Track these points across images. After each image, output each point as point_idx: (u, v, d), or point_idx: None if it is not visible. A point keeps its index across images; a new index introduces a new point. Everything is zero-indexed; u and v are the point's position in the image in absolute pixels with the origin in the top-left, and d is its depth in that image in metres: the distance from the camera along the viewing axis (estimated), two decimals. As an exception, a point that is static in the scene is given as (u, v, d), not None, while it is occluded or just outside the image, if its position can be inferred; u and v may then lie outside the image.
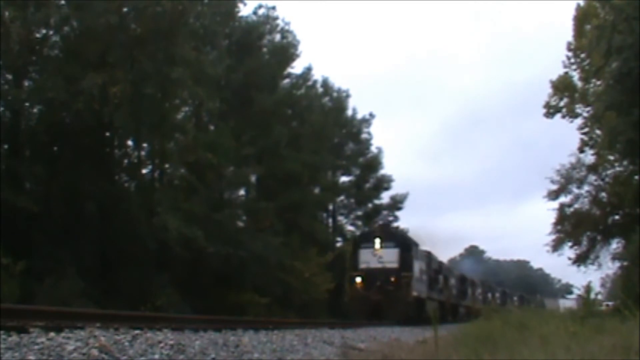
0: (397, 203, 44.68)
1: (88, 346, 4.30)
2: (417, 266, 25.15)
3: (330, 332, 10.12)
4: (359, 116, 42.68)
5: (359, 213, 42.82)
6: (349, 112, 42.12)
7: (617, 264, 27.86)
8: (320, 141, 35.52)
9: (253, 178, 31.65)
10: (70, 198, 20.63)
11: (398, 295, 22.59)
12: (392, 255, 23.61)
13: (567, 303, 52.54)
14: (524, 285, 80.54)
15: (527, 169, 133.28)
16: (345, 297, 26.25)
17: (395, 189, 44.90)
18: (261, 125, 29.68)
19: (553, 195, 29.69)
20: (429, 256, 28.98)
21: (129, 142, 25.44)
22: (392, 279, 22.90)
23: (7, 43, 18.61)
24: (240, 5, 28.94)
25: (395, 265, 23.37)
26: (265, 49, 32.66)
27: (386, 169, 44.23)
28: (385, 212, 43.83)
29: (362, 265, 23.72)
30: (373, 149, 43.67)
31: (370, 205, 43.07)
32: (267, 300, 25.59)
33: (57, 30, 21.87)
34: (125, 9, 21.73)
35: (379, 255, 23.50)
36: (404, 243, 25.01)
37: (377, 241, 23.90)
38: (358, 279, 23.44)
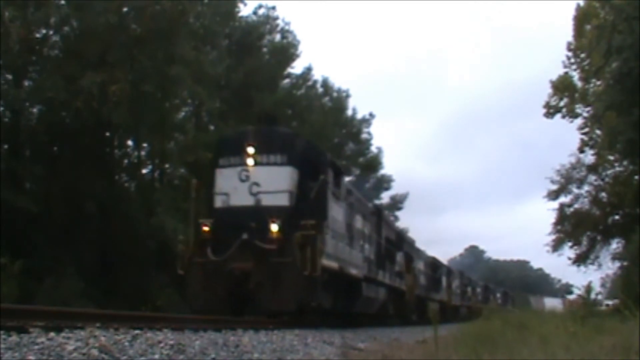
0: (397, 203, 44.78)
1: (88, 346, 4.30)
2: (342, 213, 13.53)
3: (330, 332, 10.12)
4: (359, 116, 42.73)
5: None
6: (349, 112, 42.16)
7: (617, 264, 27.93)
8: (320, 141, 35.53)
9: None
10: (70, 198, 20.64)
11: (285, 264, 10.99)
12: (278, 179, 11.85)
13: (554, 302, 51.95)
14: (522, 285, 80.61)
15: (527, 169, 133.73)
16: (178, 265, 12.25)
17: (395, 189, 45.02)
18: (261, 125, 29.62)
19: (553, 195, 29.78)
20: (378, 214, 18.24)
21: (129, 142, 25.48)
22: (274, 230, 11.18)
23: (7, 43, 18.61)
24: (240, 5, 29.00)
25: (283, 201, 11.67)
26: (265, 49, 32.67)
27: (386, 169, 44.33)
28: (385, 212, 43.85)
29: (218, 203, 12.07)
30: (373, 149, 43.73)
31: (370, 205, 43.11)
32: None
33: (57, 30, 21.87)
34: (125, 9, 21.74)
35: (253, 181, 11.77)
36: (305, 158, 12.45)
37: (250, 151, 11.89)
38: (205, 228, 11.68)
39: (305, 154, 12.70)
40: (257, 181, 11.82)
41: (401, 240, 22.60)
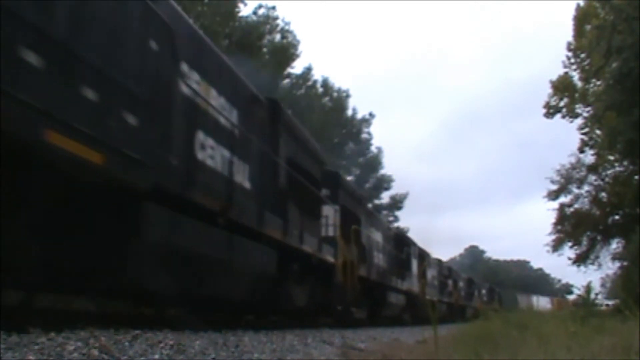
0: (397, 203, 44.85)
1: (88, 346, 4.30)
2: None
3: (330, 332, 10.12)
4: (359, 116, 42.80)
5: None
6: (349, 112, 42.23)
7: (617, 264, 27.97)
8: (320, 141, 35.60)
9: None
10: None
11: None
12: None
13: (543, 301, 51.37)
14: (523, 285, 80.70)
15: (527, 168, 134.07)
16: None
17: (395, 189, 45.12)
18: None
19: (553, 195, 29.84)
20: (272, 112, 9.48)
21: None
22: None
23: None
24: (240, 5, 29.05)
25: None
26: (265, 49, 32.71)
27: (386, 169, 44.45)
28: (385, 212, 43.93)
29: None
30: (373, 149, 43.82)
31: (370, 205, 43.20)
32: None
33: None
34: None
35: None
36: None
37: None
38: None
39: None
40: None
41: (336, 186, 14.00)
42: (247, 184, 8.15)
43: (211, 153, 7.10)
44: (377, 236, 18.32)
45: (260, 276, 8.67)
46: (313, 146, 12.19)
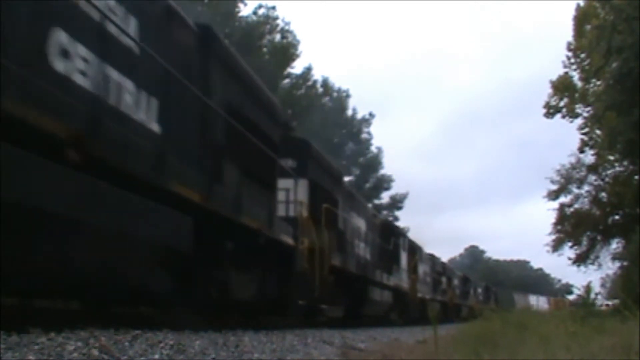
0: (397, 203, 44.87)
1: (88, 346, 4.30)
2: None
3: (330, 332, 10.12)
4: (359, 116, 42.84)
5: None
6: (349, 112, 42.27)
7: (617, 264, 27.98)
8: (320, 141, 35.64)
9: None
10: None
11: None
12: None
13: (539, 300, 50.93)
14: (523, 285, 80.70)
15: (527, 168, 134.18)
16: None
17: (395, 189, 45.16)
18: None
19: (553, 195, 29.85)
20: (204, 40, 6.92)
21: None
22: None
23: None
24: (240, 5, 29.11)
25: None
26: (265, 49, 32.75)
27: (386, 169, 44.50)
28: (385, 212, 43.97)
29: None
30: (373, 149, 43.85)
31: (370, 205, 43.23)
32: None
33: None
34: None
35: None
36: None
37: None
38: None
39: None
40: None
41: (304, 156, 11.84)
42: (154, 125, 5.73)
43: (83, 67, 4.69)
44: (359, 222, 15.60)
45: (160, 253, 5.97)
46: (268, 99, 9.48)
